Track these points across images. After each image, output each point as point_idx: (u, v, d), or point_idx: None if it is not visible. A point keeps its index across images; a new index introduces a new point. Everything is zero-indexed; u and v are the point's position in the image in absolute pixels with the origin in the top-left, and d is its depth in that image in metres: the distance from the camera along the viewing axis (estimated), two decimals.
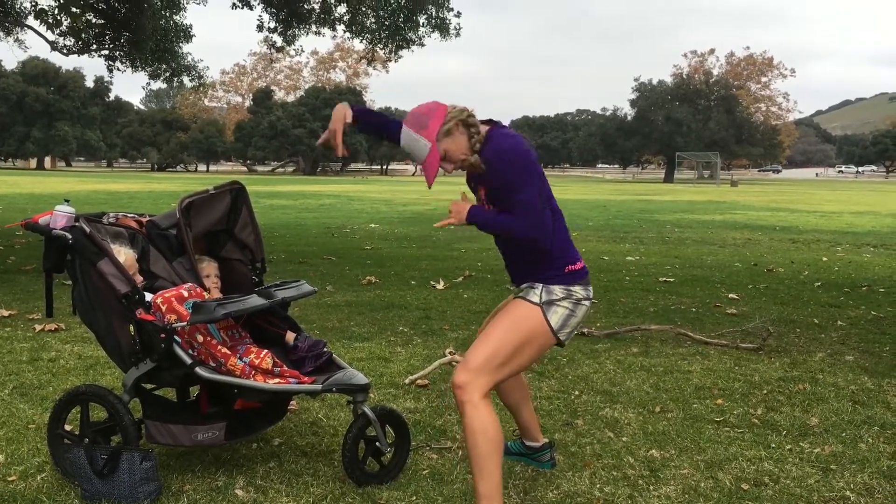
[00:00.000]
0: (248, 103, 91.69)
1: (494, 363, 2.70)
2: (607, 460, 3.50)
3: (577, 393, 4.52)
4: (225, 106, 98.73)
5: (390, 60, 15.56)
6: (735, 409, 4.24)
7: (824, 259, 12.15)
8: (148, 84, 35.07)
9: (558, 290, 2.76)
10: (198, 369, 3.02)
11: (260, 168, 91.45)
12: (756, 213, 24.61)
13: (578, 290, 2.79)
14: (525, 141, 2.75)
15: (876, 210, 27.12)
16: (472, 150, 2.73)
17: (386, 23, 14.07)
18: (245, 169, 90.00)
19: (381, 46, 15.31)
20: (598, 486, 3.23)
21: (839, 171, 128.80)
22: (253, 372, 3.11)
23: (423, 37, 14.14)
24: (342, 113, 3.00)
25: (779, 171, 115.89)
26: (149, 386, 3.33)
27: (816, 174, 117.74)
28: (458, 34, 13.84)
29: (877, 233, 17.97)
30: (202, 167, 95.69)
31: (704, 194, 39.50)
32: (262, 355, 3.20)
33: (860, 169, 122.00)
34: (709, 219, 21.53)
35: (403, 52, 15.19)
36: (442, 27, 13.75)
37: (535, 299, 2.75)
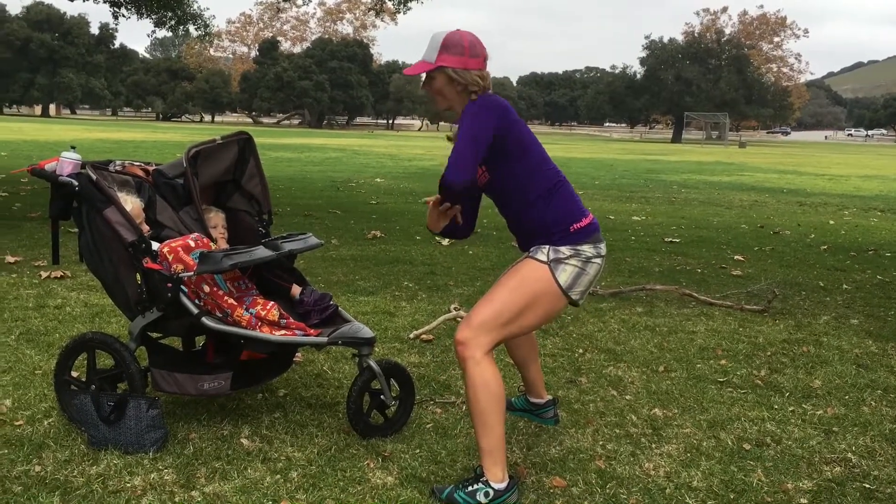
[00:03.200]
0: (253, 54, 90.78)
1: (499, 321, 2.67)
2: (610, 418, 3.52)
3: (581, 351, 4.52)
4: (231, 56, 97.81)
5: (399, 12, 15.37)
6: (738, 370, 4.25)
7: (831, 222, 12.11)
8: (153, 32, 34.74)
9: (566, 250, 2.71)
10: (204, 319, 3.02)
11: (265, 120, 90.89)
12: (764, 174, 24.46)
13: (587, 249, 2.73)
14: (500, 100, 2.69)
15: (884, 174, 26.95)
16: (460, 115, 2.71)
17: None
18: (250, 120, 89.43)
19: None
20: (600, 443, 3.25)
21: (848, 135, 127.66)
22: (259, 323, 3.11)
23: None
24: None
25: (788, 134, 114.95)
26: (155, 335, 3.34)
27: (825, 137, 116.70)
28: None
29: (884, 197, 17.88)
30: (207, 118, 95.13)
31: (712, 155, 39.23)
32: (268, 307, 3.20)
33: (870, 132, 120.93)
34: (716, 180, 21.41)
35: (412, 4, 15.00)
36: None
37: (543, 258, 2.71)
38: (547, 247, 2.72)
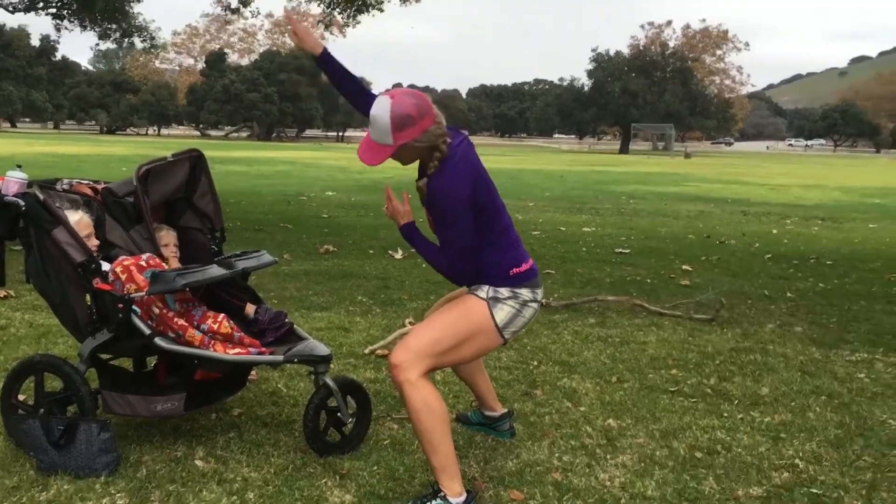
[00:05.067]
0: (200, 66, 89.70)
1: (436, 349, 2.70)
2: (566, 430, 3.56)
3: (535, 363, 4.57)
4: (177, 68, 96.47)
5: (348, 25, 15.35)
6: (689, 379, 4.34)
7: (774, 231, 12.42)
8: (97, 45, 33.92)
9: (504, 291, 2.77)
10: (157, 340, 2.98)
11: (213, 132, 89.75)
12: (709, 184, 24.99)
13: (525, 293, 2.80)
14: (465, 169, 2.71)
15: (823, 183, 27.73)
16: (426, 171, 2.72)
17: None
18: (198, 133, 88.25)
19: (339, 11, 15.09)
20: (556, 455, 3.28)
21: (789, 145, 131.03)
22: (212, 342, 3.08)
23: (383, 1, 13.96)
24: (314, 38, 2.99)
25: (731, 144, 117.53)
26: (105, 356, 3.28)
27: (767, 147, 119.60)
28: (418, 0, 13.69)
29: (824, 206, 18.40)
30: (153, 130, 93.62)
31: (659, 166, 39.94)
32: (218, 319, 3.16)
33: (809, 142, 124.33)
34: (663, 190, 21.80)
35: (362, 17, 15.01)
36: None
37: (483, 295, 2.78)
38: (487, 286, 2.78)
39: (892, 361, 4.81)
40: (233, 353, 3.08)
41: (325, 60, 2.99)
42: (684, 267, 8.36)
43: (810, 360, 4.78)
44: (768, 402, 3.99)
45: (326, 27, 16.58)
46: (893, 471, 3.19)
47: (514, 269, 2.79)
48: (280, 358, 3.09)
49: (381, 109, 2.65)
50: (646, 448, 3.37)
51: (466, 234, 2.70)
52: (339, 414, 3.20)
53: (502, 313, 2.77)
